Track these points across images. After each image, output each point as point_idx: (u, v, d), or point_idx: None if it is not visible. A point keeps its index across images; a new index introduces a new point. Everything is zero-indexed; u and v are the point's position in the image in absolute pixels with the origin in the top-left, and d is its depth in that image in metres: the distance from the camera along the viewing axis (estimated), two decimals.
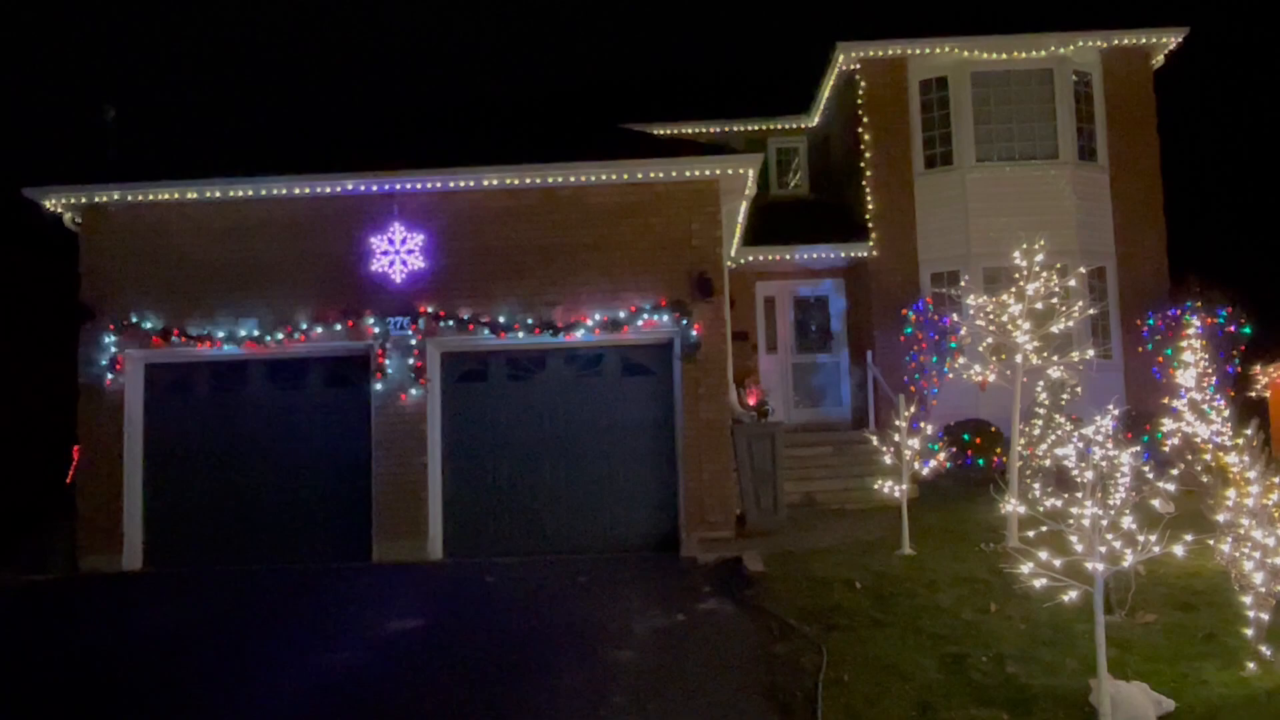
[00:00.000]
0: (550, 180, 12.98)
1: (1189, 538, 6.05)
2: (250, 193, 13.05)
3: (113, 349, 12.87)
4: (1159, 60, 17.36)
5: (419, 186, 13.00)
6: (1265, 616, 6.67)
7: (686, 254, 12.86)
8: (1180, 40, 16.99)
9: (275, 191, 13.04)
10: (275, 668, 7.90)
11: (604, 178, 12.98)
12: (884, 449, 11.56)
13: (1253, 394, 14.31)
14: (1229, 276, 15.84)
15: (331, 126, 16.22)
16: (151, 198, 13.12)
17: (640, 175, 13.00)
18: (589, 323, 12.71)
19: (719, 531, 12.34)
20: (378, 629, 9.02)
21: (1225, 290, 15.25)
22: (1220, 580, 7.82)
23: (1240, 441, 7.48)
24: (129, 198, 13.12)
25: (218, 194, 13.06)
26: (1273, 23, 28.43)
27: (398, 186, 12.98)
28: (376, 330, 12.74)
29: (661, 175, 13.01)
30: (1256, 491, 6.70)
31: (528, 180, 12.96)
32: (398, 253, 12.87)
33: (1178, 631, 7.59)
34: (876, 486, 11.61)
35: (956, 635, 7.68)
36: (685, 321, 12.63)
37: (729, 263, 16.62)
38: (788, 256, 17.91)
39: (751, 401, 15.99)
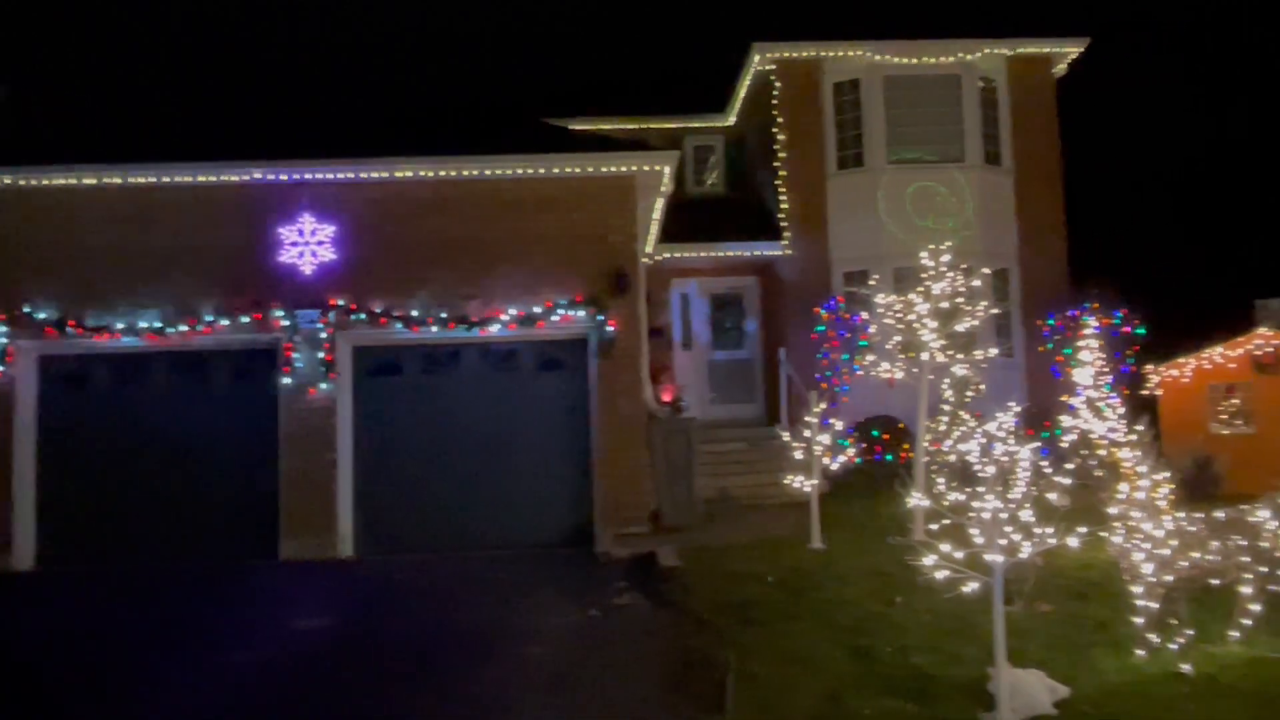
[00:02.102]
0: (465, 173, 12.86)
1: (1083, 530, 6.28)
2: (153, 179, 12.63)
3: (2, 340, 12.32)
4: (1061, 69, 17.96)
5: (330, 176, 12.75)
6: (1154, 605, 6.95)
7: (603, 250, 12.87)
8: (1082, 50, 17.59)
9: (179, 178, 12.64)
10: (166, 672, 7.65)
11: (520, 172, 12.91)
12: (796, 445, 11.74)
13: (1145, 392, 14.90)
14: (1126, 279, 16.48)
15: (242, 114, 15.76)
16: (46, 182, 12.59)
17: (557, 170, 12.96)
18: (504, 317, 12.63)
19: (634, 527, 12.39)
20: (279, 629, 8.80)
21: (1122, 292, 15.87)
22: (1113, 571, 8.13)
23: (1133, 438, 7.80)
24: (21, 182, 12.57)
25: (118, 180, 12.60)
26: (1169, 36, 29.67)
27: (308, 176, 12.70)
28: (285, 323, 12.45)
29: (578, 171, 12.99)
30: (1146, 485, 6.99)
31: (442, 173, 12.81)
32: (307, 244, 12.59)
33: (1073, 621, 7.89)
34: (788, 482, 11.78)
35: (865, 627, 7.85)
36: (601, 317, 12.64)
37: (645, 259, 16.66)
38: (704, 254, 18.03)
39: (667, 398, 16.07)
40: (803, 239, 17.36)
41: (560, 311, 12.68)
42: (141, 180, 12.61)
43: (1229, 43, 29.04)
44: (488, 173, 12.89)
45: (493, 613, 9.04)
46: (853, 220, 17.16)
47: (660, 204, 14.50)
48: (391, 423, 12.88)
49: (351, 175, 12.77)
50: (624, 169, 13.06)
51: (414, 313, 12.58)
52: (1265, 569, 7.13)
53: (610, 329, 12.64)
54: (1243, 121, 26.73)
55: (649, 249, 16.58)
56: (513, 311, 12.63)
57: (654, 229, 15.70)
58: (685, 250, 17.86)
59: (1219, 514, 7.25)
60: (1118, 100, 25.57)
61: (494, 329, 12.65)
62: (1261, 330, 14.16)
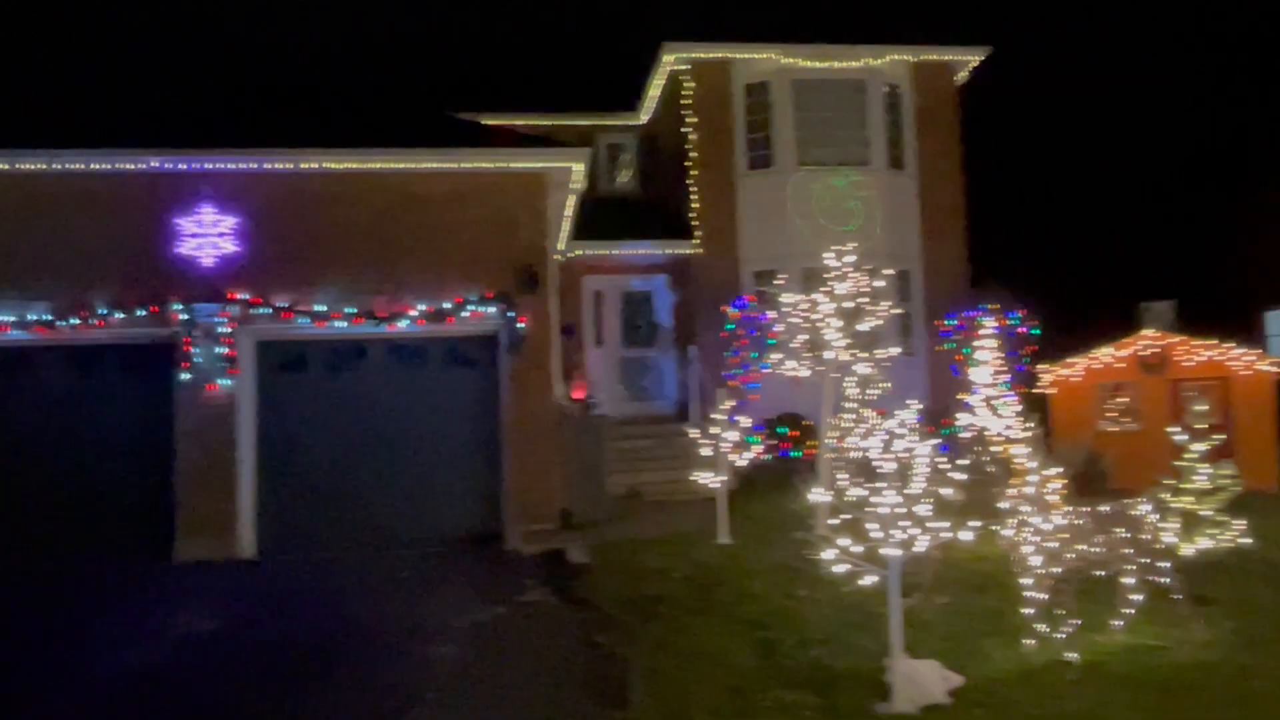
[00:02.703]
0: (373, 166, 12.65)
1: (976, 524, 6.49)
2: (44, 165, 12.12)
3: None
4: (963, 76, 18.49)
5: (233, 167, 12.41)
6: (1043, 596, 7.23)
7: (514, 246, 12.80)
8: (983, 58, 18.14)
9: (72, 165, 12.15)
10: (46, 677, 7.36)
11: (430, 166, 12.75)
12: (704, 442, 11.86)
13: (1039, 391, 15.45)
14: (1022, 281, 17.08)
15: (140, 100, 15.22)
16: None
17: (467, 165, 12.84)
18: (413, 313, 12.47)
19: (544, 524, 12.37)
20: (169, 633, 8.52)
21: (1019, 294, 16.42)
22: (1006, 563, 8.43)
23: (1025, 435, 8.08)
24: None
25: (5, 166, 12.06)
26: (1068, 46, 30.81)
27: (209, 166, 12.34)
28: (183, 317, 12.08)
29: (489, 166, 12.90)
30: (1036, 481, 7.25)
31: (349, 165, 12.59)
32: (208, 236, 12.25)
33: (968, 612, 8.15)
34: (696, 478, 11.90)
35: (768, 620, 7.99)
36: (511, 314, 12.57)
37: (557, 256, 16.63)
38: (616, 252, 18.09)
39: (578, 395, 16.08)
40: (714, 238, 17.53)
41: (470, 308, 12.57)
42: (30, 167, 12.10)
43: (1120, 54, 30.27)
44: (396, 166, 12.70)
45: (397, 611, 8.93)
46: (763, 220, 17.40)
47: (572, 201, 14.50)
48: (296, 420, 12.61)
49: (255, 166, 12.45)
50: (535, 165, 13.02)
51: (319, 307, 12.33)
52: (1146, 560, 7.47)
53: (521, 326, 12.58)
54: (1133, 131, 27.90)
55: (561, 246, 16.56)
56: (422, 307, 12.48)
57: (566, 226, 15.69)
58: (598, 248, 17.90)
59: (1104, 508, 7.57)
60: (1016, 107, 26.45)
61: (402, 325, 12.48)
62: (1147, 331, 14.81)
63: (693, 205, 17.64)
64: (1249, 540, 8.87)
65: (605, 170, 20.24)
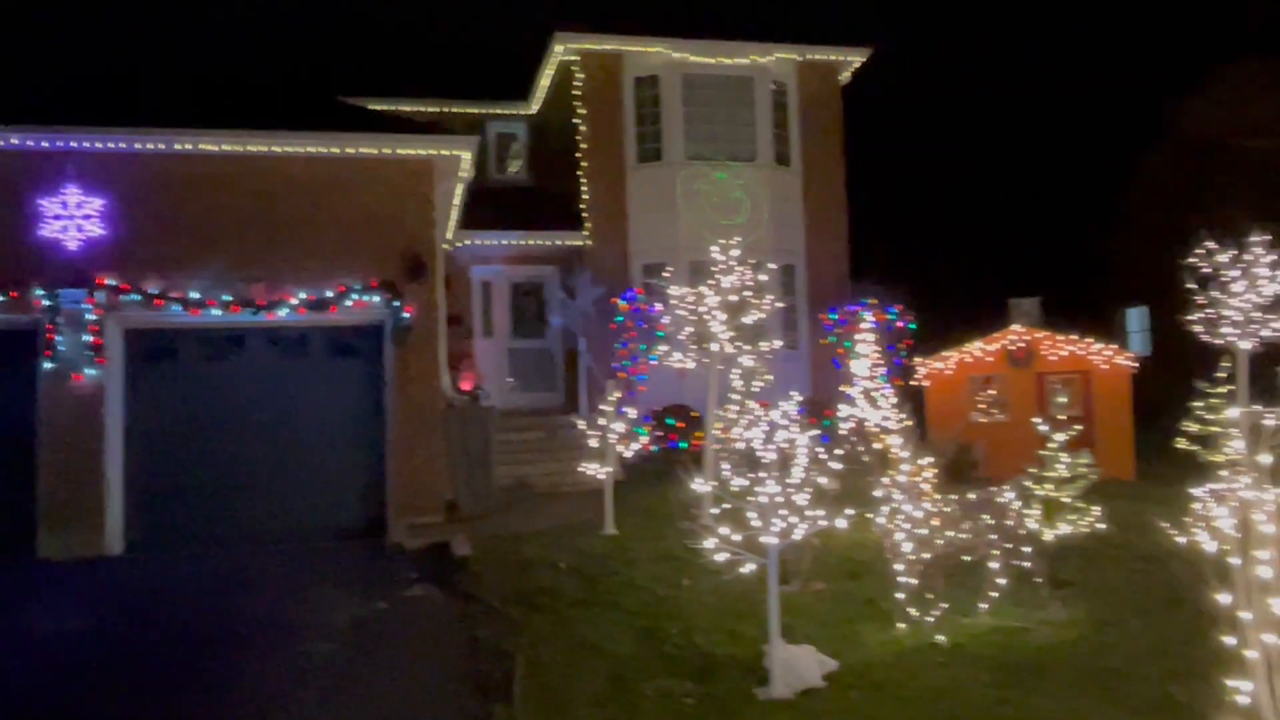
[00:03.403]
0: (252, 149, 12.25)
1: (851, 512, 6.70)
2: None
3: None
4: (846, 77, 18.95)
5: (100, 146, 11.86)
6: (914, 582, 7.51)
7: (399, 234, 12.59)
8: (865, 60, 18.63)
9: None
10: None
11: (312, 150, 12.42)
12: (592, 433, 11.90)
13: (914, 383, 15.99)
14: (900, 277, 17.63)
15: (1, 74, 14.40)
16: None
17: (351, 150, 12.56)
18: (294, 301, 12.14)
19: (429, 517, 12.23)
20: (27, 635, 8.13)
21: (897, 290, 16.97)
22: (880, 550, 8.72)
23: (901, 425, 8.37)
24: None
25: None
26: (946, 49, 31.90)
27: (74, 144, 11.77)
28: (46, 303, 11.50)
29: (374, 152, 12.65)
30: (907, 469, 7.53)
31: (226, 147, 12.16)
32: (73, 218, 11.68)
33: (844, 598, 8.41)
34: (583, 469, 11.94)
35: (652, 610, 8.09)
36: (397, 303, 12.37)
37: (446, 246, 16.44)
38: (505, 242, 17.97)
39: (466, 386, 15.91)
40: (603, 230, 17.58)
41: (354, 296, 12.32)
42: None
43: (993, 60, 31.48)
44: (277, 149, 12.33)
45: (273, 608, 8.70)
46: (652, 213, 17.52)
47: (460, 190, 14.33)
48: (169, 412, 12.14)
49: (125, 145, 11.92)
50: (422, 152, 12.82)
51: (193, 294, 11.90)
52: (1010, 545, 7.83)
53: (406, 315, 12.39)
54: (1005, 135, 29.05)
55: (449, 235, 16.37)
56: (303, 295, 12.16)
57: (454, 215, 15.51)
58: (487, 238, 17.76)
59: (971, 496, 7.90)
60: (896, 108, 27.25)
61: (282, 313, 12.14)
62: (1015, 327, 15.47)
63: (583, 197, 17.64)
64: (1105, 526, 9.41)
65: (495, 159, 20.07)
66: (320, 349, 12.72)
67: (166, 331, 12.21)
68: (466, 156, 13.06)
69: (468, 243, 17.50)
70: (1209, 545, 4.22)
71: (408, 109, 18.47)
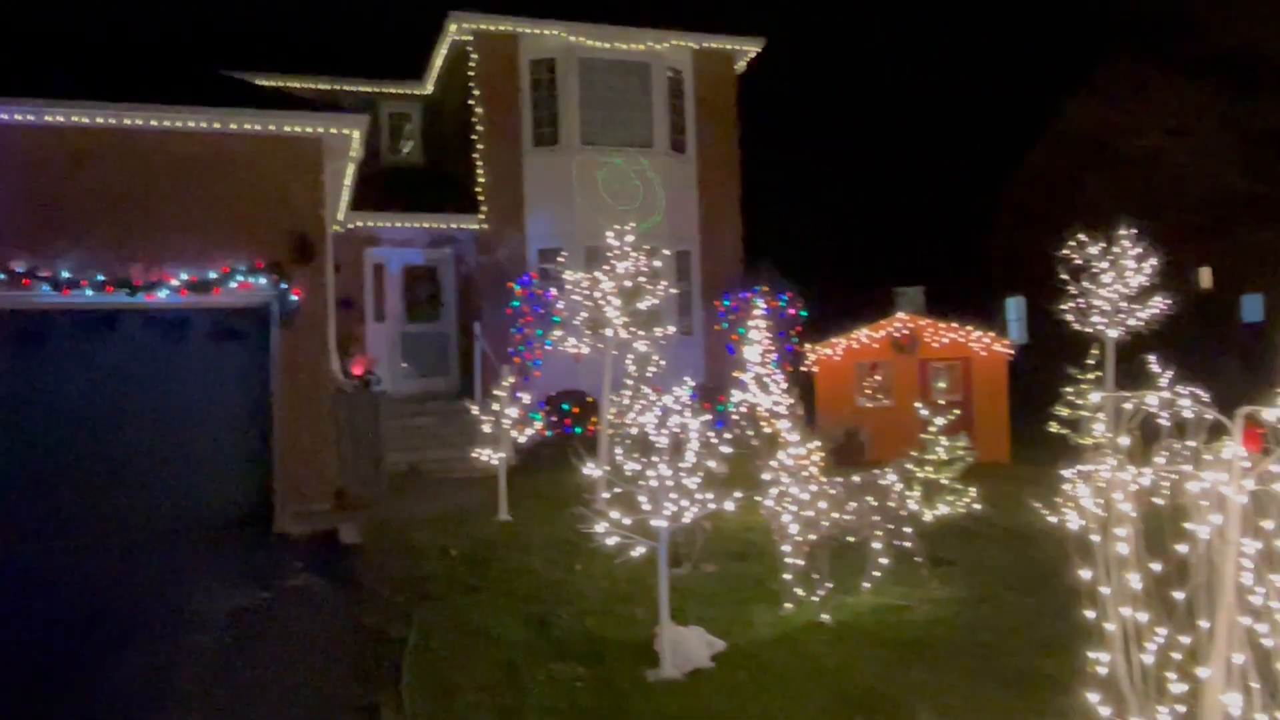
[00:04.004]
0: (129, 122, 11.71)
1: (739, 495, 6.81)
2: None
3: None
4: (742, 66, 19.16)
5: None
6: (800, 562, 7.69)
7: (287, 214, 12.23)
8: (759, 50, 18.86)
9: None
10: None
11: (195, 125, 11.94)
12: (485, 418, 11.82)
13: (805, 369, 16.34)
14: (792, 265, 17.98)
15: None
16: None
17: (236, 126, 12.13)
18: (174, 282, 11.68)
19: (316, 504, 11.95)
20: None
21: (788, 277, 17.29)
22: (769, 532, 8.91)
23: (790, 410, 8.53)
24: None
25: None
26: (841, 43, 32.54)
27: None
28: None
29: (260, 128, 12.24)
30: (795, 453, 7.69)
31: (101, 120, 11.59)
32: None
33: (733, 579, 8.56)
34: (475, 455, 11.84)
35: (544, 595, 8.09)
36: (284, 285, 12.02)
37: (337, 227, 16.05)
38: (399, 225, 17.65)
39: (357, 371, 15.58)
40: (499, 214, 17.42)
41: (239, 278, 11.92)
42: None
43: (883, 54, 32.28)
44: (157, 124, 11.81)
45: (147, 601, 8.39)
46: (548, 198, 17.44)
47: (351, 170, 14.00)
48: (38, 396, 11.53)
49: None
50: (311, 130, 12.46)
51: (65, 274, 11.34)
52: (892, 526, 8.09)
53: (294, 298, 12.05)
54: (893, 128, 29.86)
55: (340, 216, 15.99)
56: (184, 276, 11.71)
57: (345, 196, 15.15)
58: (379, 219, 17.42)
59: (855, 478, 8.13)
60: (792, 98, 27.72)
61: (162, 294, 11.66)
62: (900, 315, 15.95)
63: (479, 180, 17.45)
64: (981, 506, 9.81)
65: (389, 140, 19.67)
66: (203, 332, 12.26)
67: (35, 313, 11.59)
68: (357, 135, 12.76)
69: (359, 225, 17.12)
70: (1074, 524, 4.42)
71: (297, 85, 17.94)
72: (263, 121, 12.22)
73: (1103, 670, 4.16)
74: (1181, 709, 4.01)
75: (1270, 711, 3.87)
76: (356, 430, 12.82)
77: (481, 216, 17.42)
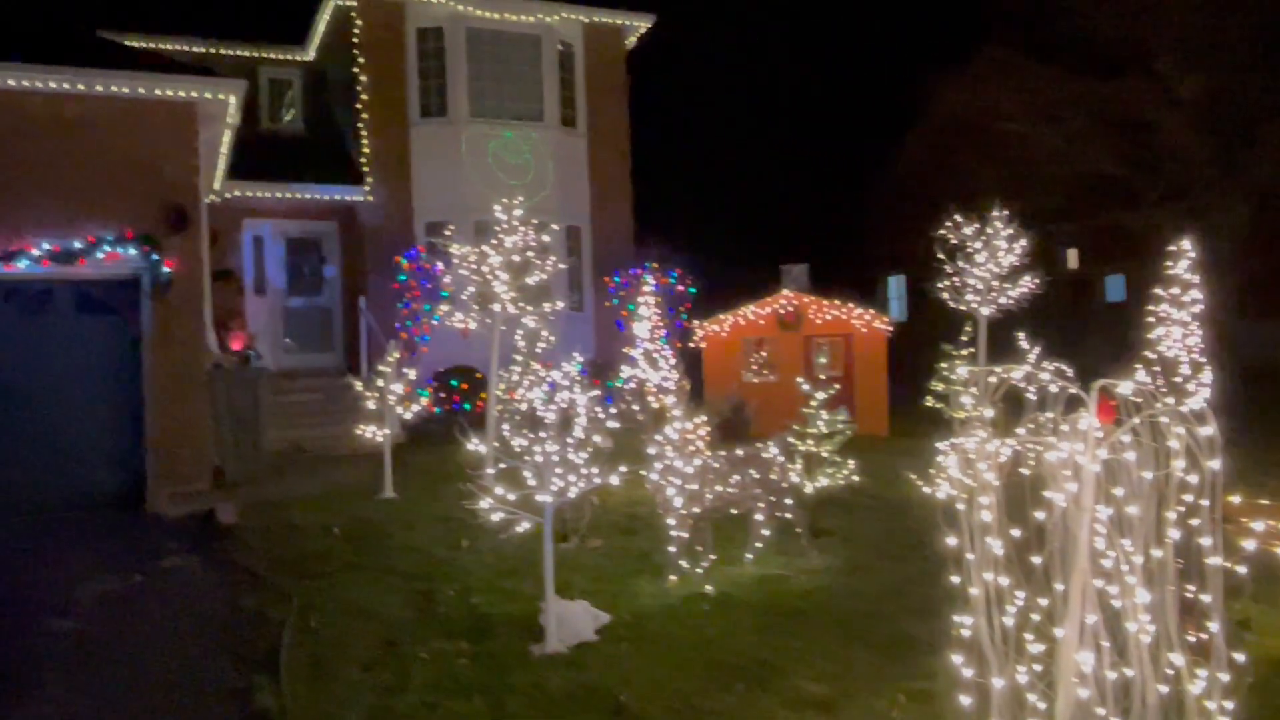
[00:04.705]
0: None
1: (624, 469, 6.87)
2: None
3: None
4: (632, 41, 19.13)
5: None
6: (685, 535, 7.81)
7: (159, 182, 11.72)
8: (649, 26, 18.85)
9: None
10: None
11: (58, 87, 11.30)
12: (370, 395, 11.60)
13: (693, 345, 16.53)
14: (682, 243, 18.12)
15: None
16: None
17: (101, 88, 11.52)
18: (35, 252, 11.07)
19: (193, 484, 11.56)
20: None
21: (678, 254, 17.42)
22: (656, 506, 9.01)
23: (678, 385, 8.64)
24: None
25: None
26: (728, 22, 32.82)
27: None
28: None
29: (130, 91, 11.66)
30: (680, 428, 7.79)
31: None
32: None
33: (620, 553, 8.64)
34: (360, 432, 11.63)
35: (429, 573, 8.02)
36: (156, 256, 11.52)
37: (213, 196, 15.49)
38: (280, 195, 17.10)
39: (236, 346, 15.12)
40: (385, 185, 17.05)
41: (107, 248, 11.37)
42: None
43: (772, 37, 32.71)
44: (16, 83, 11.13)
45: (14, 586, 8.00)
46: (436, 170, 17.13)
47: (229, 137, 13.50)
48: None
49: None
50: (185, 94, 11.94)
51: None
52: (774, 498, 8.27)
53: (166, 269, 11.56)
54: (780, 109, 30.35)
55: (217, 186, 15.43)
56: (46, 246, 11.11)
57: (222, 164, 14.61)
58: (259, 189, 16.84)
59: (739, 452, 8.28)
60: (679, 75, 27.88)
61: (22, 265, 11.05)
62: (785, 292, 16.26)
63: (364, 150, 17.02)
64: (860, 478, 10.11)
65: (269, 107, 18.99)
66: (68, 305, 11.68)
67: None
68: (234, 101, 12.28)
69: (238, 194, 16.53)
70: (943, 494, 4.61)
71: (171, 47, 17.18)
72: (133, 84, 11.65)
73: (967, 633, 4.34)
74: (1039, 668, 4.23)
75: (1119, 668, 4.12)
76: (235, 408, 12.43)
77: (367, 188, 17.01)
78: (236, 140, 14.00)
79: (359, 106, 16.99)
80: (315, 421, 14.63)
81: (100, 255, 11.34)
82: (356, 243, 17.54)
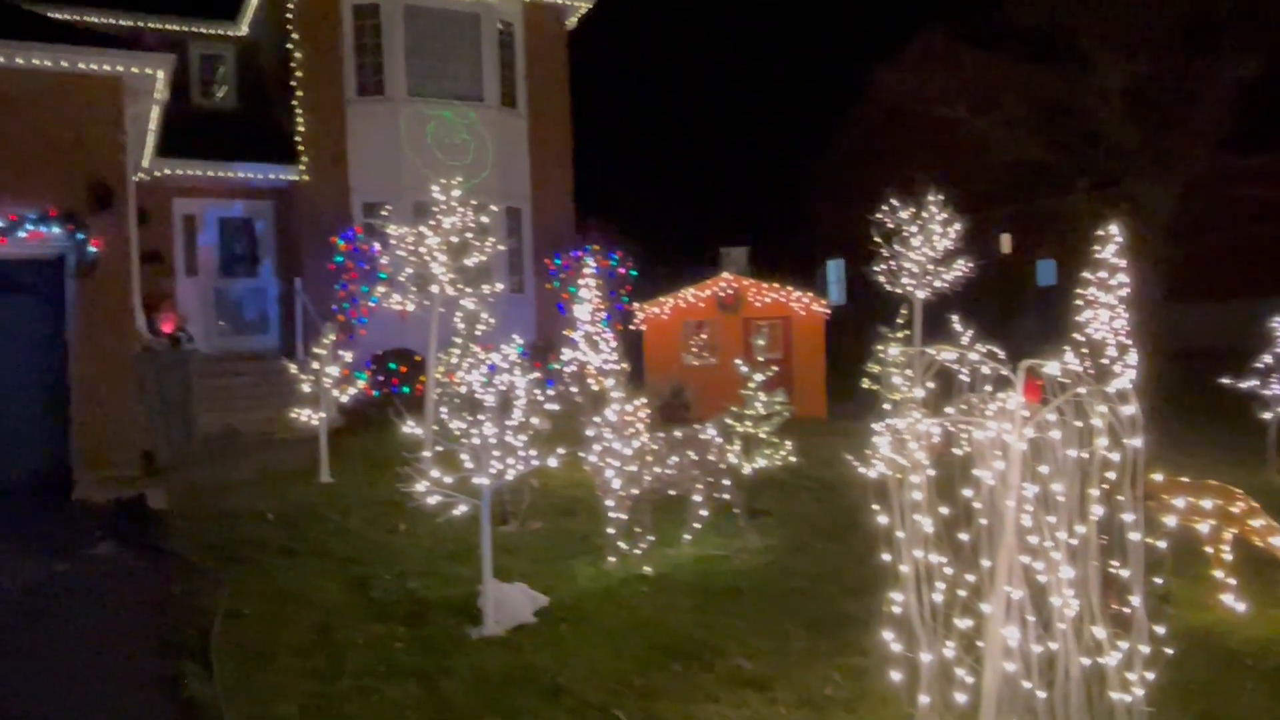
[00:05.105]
0: None
1: (562, 451, 6.85)
2: None
3: None
4: (573, 22, 18.95)
5: None
6: (624, 516, 7.82)
7: (84, 159, 11.40)
8: (590, 6, 18.69)
9: None
10: None
11: None
12: (305, 378, 11.42)
13: (634, 328, 16.52)
14: (624, 225, 18.08)
15: None
16: None
17: (24, 61, 11.16)
18: None
19: (123, 470, 11.28)
20: None
21: (619, 237, 17.38)
22: (595, 488, 9.01)
23: (618, 368, 8.64)
24: None
25: None
26: (670, 6, 32.74)
27: None
28: None
29: (53, 65, 11.31)
30: (618, 410, 7.79)
31: None
32: None
33: (559, 535, 8.63)
34: (295, 415, 11.45)
35: (364, 557, 7.93)
36: (80, 235, 11.19)
37: (141, 175, 15.07)
38: (213, 174, 16.71)
39: (167, 328, 14.79)
40: (321, 165, 16.73)
41: (29, 227, 11.03)
42: None
43: (714, 24, 32.73)
44: None
45: None
46: (373, 150, 16.85)
47: (157, 114, 13.14)
48: None
49: None
50: (110, 69, 11.60)
51: None
52: (712, 479, 8.32)
53: (92, 249, 11.25)
54: (721, 95, 30.40)
55: (145, 163, 15.02)
56: None
57: (151, 141, 14.23)
58: (191, 168, 16.45)
59: (677, 433, 8.31)
60: (621, 57, 27.78)
61: None
62: (725, 274, 16.33)
63: (299, 129, 16.68)
64: (797, 459, 10.22)
65: (200, 83, 18.51)
66: None
67: None
68: (162, 76, 11.96)
69: (168, 173, 16.11)
70: (874, 472, 4.68)
71: (97, 20, 16.65)
72: (55, 57, 11.28)
73: (898, 609, 4.43)
74: (968, 643, 4.32)
75: (1044, 642, 4.22)
76: (166, 391, 12.16)
77: (302, 167, 16.68)
78: (167, 117, 13.64)
79: (293, 84, 16.63)
80: (249, 405, 14.36)
81: (22, 234, 10.99)
82: (292, 223, 17.20)
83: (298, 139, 16.69)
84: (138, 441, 11.64)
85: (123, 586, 7.42)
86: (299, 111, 16.66)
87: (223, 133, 17.38)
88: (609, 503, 7.79)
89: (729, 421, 8.94)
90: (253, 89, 18.79)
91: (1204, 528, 6.61)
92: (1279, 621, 6.23)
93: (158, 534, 8.60)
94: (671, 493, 8.25)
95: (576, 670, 5.63)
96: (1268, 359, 10.76)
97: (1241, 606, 6.40)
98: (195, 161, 16.39)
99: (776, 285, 16.26)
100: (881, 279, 12.16)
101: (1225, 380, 10.91)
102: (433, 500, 6.37)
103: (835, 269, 31.97)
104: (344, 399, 11.91)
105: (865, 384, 11.71)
